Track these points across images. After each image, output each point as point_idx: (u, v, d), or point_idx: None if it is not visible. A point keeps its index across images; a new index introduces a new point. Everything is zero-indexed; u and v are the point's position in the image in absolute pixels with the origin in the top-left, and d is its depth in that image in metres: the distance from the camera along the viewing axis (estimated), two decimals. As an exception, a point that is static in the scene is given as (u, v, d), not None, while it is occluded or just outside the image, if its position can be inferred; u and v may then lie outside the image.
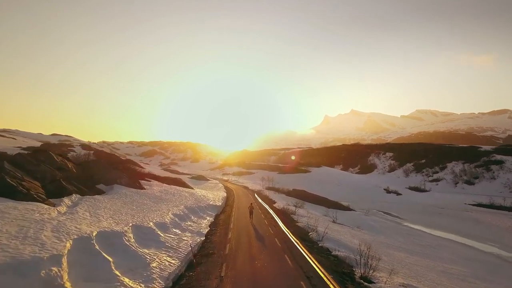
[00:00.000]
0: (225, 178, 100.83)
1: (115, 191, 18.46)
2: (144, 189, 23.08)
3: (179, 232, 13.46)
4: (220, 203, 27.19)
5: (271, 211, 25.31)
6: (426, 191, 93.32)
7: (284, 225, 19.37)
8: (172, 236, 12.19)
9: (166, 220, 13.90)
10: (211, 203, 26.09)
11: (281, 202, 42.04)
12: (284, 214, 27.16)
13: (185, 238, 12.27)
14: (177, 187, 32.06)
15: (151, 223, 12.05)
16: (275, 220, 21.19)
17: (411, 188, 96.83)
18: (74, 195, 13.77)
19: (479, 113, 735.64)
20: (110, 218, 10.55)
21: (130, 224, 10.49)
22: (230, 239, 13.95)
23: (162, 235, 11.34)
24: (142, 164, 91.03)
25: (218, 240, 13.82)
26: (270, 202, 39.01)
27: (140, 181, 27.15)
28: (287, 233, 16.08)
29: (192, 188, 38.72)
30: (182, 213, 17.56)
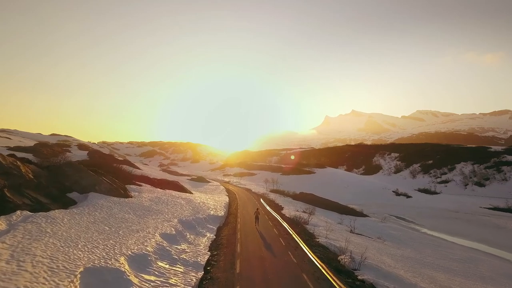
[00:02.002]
0: (226, 179, 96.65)
1: (89, 202, 14.33)
2: (131, 196, 18.93)
3: (167, 266, 9.30)
4: (222, 213, 22.99)
5: (285, 224, 21.09)
6: (436, 193, 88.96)
7: (305, 244, 15.22)
8: (154, 277, 8.05)
9: (148, 248, 9.73)
10: (211, 212, 21.90)
11: (290, 208, 37.93)
12: (298, 225, 23.09)
13: (174, 281, 8.11)
14: (173, 192, 27.88)
15: (121, 259, 7.90)
16: (292, 237, 17.02)
17: (420, 190, 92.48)
18: (19, 211, 9.64)
19: (480, 113, 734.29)
20: (47, 260, 6.39)
21: (80, 269, 6.38)
22: (239, 275, 9.80)
23: (136, 282, 7.19)
24: (140, 165, 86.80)
25: (223, 277, 9.64)
26: (278, 208, 34.88)
27: (128, 186, 23.05)
28: (315, 262, 11.90)
29: (191, 193, 34.54)
30: (174, 232, 13.40)
